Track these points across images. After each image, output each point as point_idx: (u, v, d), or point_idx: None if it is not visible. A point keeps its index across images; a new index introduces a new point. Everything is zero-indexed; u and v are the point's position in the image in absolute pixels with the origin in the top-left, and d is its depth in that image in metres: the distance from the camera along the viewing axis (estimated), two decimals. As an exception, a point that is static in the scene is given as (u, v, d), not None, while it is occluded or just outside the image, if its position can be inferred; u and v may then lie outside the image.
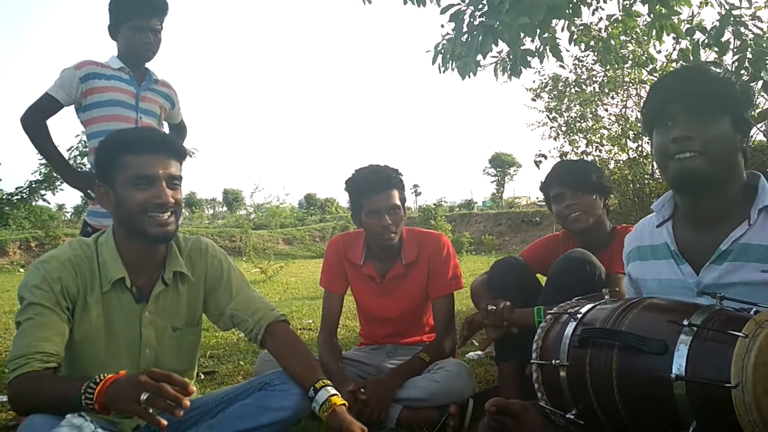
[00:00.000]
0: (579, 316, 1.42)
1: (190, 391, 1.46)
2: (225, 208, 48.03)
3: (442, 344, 2.61)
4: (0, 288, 9.67)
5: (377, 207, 2.50)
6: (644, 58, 5.21)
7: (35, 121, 2.71)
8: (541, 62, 3.66)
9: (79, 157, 6.60)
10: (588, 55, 6.53)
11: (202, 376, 3.22)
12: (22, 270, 14.33)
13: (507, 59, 3.91)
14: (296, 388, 1.92)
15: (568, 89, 6.90)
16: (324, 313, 2.75)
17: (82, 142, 6.35)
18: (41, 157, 2.78)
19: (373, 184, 2.52)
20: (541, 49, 3.69)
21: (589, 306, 1.47)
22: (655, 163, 6.86)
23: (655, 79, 5.75)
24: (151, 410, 1.43)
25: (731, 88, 1.45)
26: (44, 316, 1.70)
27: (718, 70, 1.52)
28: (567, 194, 2.46)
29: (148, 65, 2.93)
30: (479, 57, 3.49)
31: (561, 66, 6.57)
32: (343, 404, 1.85)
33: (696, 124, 1.43)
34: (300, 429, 2.26)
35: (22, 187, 6.56)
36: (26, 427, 1.56)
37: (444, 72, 3.84)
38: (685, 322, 1.20)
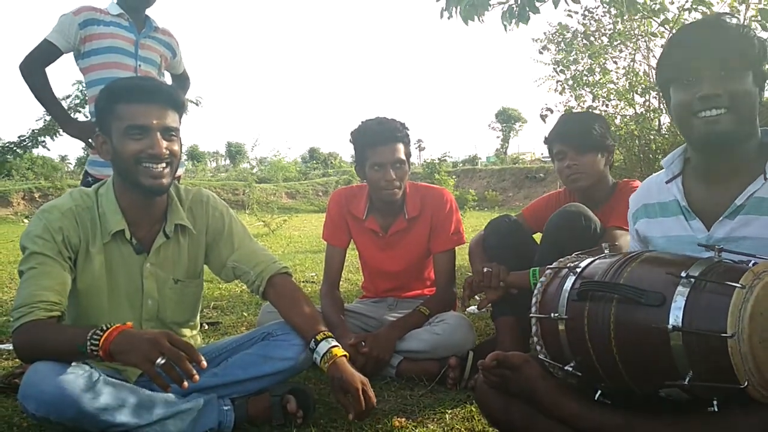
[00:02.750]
0: (578, 270, 1.42)
1: (203, 366, 1.49)
2: (228, 161, 47.88)
3: (443, 298, 2.63)
4: (4, 238, 9.74)
5: (382, 160, 2.48)
6: (656, 7, 5.07)
7: (34, 69, 2.67)
8: (556, 7, 3.50)
9: (80, 107, 6.51)
10: (598, 6, 6.37)
11: (206, 327, 3.27)
12: (26, 220, 14.41)
13: (515, 4, 3.78)
14: (298, 339, 1.95)
15: (576, 41, 6.75)
16: (326, 267, 2.77)
17: (81, 92, 6.28)
18: (41, 105, 2.75)
19: (380, 136, 2.49)
20: None
21: (588, 260, 1.46)
22: (661, 119, 6.77)
23: (666, 31, 5.62)
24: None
25: (751, 41, 1.42)
26: (47, 266, 1.71)
27: (736, 23, 1.47)
28: (568, 154, 2.42)
29: (148, 12, 2.87)
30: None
31: (569, 15, 6.42)
32: (344, 356, 1.87)
33: (722, 80, 1.40)
34: (302, 379, 2.30)
35: (24, 135, 6.49)
36: (32, 374, 1.59)
37: (449, 18, 3.71)
38: (683, 274, 1.20)
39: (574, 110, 6.87)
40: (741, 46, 1.41)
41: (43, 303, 1.65)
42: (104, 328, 1.55)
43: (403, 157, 2.52)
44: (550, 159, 2.65)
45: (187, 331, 2.07)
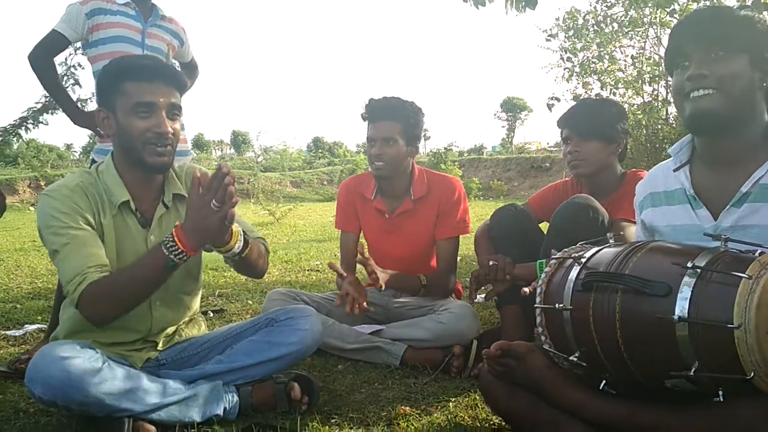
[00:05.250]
0: (583, 260, 1.42)
1: (232, 175, 1.59)
2: (232, 150, 47.88)
3: (442, 278, 2.66)
4: (11, 226, 9.79)
5: (371, 134, 2.59)
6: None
7: (43, 59, 2.67)
8: None
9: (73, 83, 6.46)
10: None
11: (211, 314, 3.28)
12: (32, 208, 14.48)
13: None
14: (302, 323, 1.96)
15: (585, 28, 6.71)
16: (342, 252, 2.84)
17: (72, 74, 6.27)
18: (47, 94, 2.75)
19: (375, 111, 2.59)
20: None
21: (593, 250, 1.46)
22: (669, 108, 6.75)
23: (675, 20, 5.59)
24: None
25: (751, 25, 1.42)
26: (79, 237, 1.70)
27: (740, 10, 1.47)
28: (573, 139, 2.40)
29: (154, 1, 2.86)
30: None
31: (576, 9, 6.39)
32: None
33: (710, 61, 1.41)
34: (306, 366, 2.31)
35: (25, 115, 6.40)
36: (38, 358, 1.60)
37: None
38: (689, 264, 1.19)
39: (581, 98, 6.82)
40: (734, 29, 1.42)
41: (92, 267, 1.65)
42: (167, 239, 1.62)
43: (394, 135, 2.54)
44: (555, 149, 2.64)
45: (194, 303, 2.07)
